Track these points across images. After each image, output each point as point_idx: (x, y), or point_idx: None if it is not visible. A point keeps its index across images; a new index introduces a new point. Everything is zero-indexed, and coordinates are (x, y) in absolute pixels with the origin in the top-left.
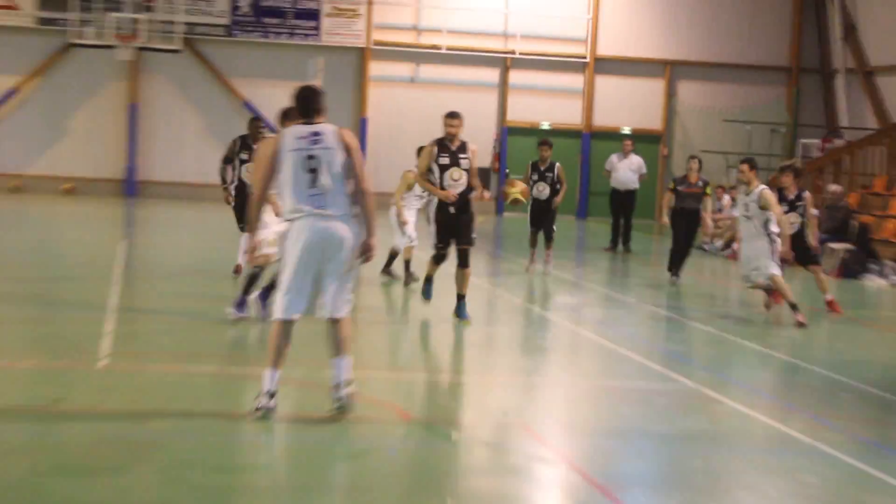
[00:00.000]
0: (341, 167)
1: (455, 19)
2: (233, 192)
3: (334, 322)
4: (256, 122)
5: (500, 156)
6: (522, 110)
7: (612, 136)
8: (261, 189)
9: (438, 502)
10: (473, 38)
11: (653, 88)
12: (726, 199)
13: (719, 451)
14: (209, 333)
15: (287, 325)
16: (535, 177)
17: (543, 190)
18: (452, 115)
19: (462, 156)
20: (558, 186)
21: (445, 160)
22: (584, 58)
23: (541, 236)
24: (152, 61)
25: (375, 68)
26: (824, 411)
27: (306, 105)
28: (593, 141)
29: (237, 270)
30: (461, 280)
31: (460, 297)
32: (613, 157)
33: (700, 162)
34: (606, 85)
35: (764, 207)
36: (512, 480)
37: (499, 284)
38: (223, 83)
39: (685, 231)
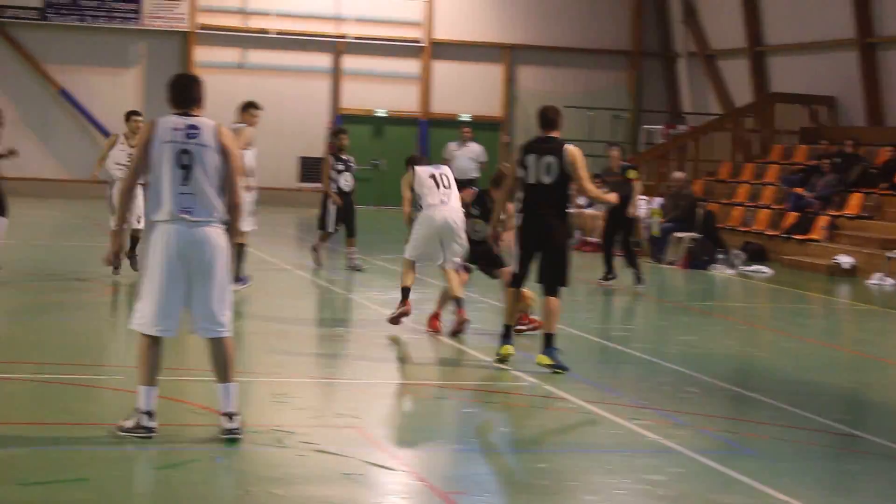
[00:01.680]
0: (215, 169)
1: (285, 2)
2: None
3: (215, 342)
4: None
5: (333, 145)
6: (357, 97)
7: (450, 124)
8: (131, 180)
9: None
10: (304, 21)
11: (492, 73)
12: None
13: (565, 451)
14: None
15: (155, 339)
16: (341, 167)
17: (350, 181)
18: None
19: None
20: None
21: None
22: (421, 42)
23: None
24: None
25: (201, 53)
26: (672, 407)
27: (183, 94)
28: (431, 128)
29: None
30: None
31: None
32: (452, 145)
33: (621, 149)
34: (444, 70)
35: None
36: (351, 487)
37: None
38: (37, 70)
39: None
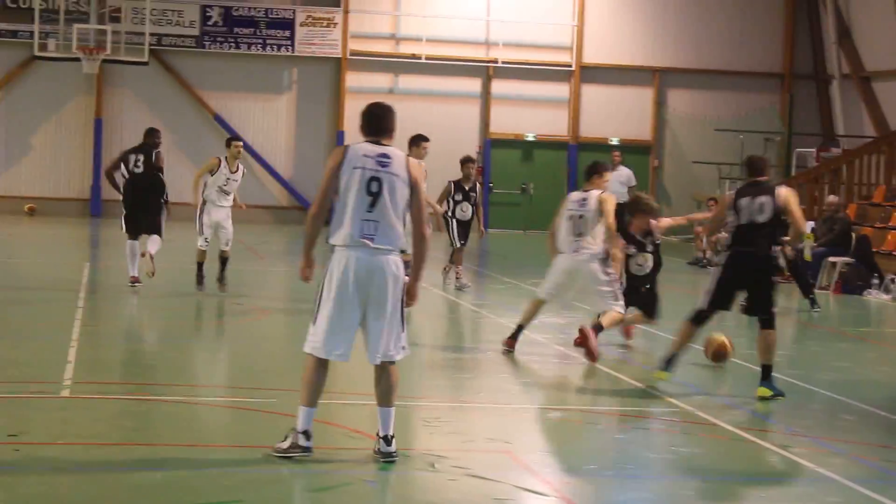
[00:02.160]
0: (402, 199)
1: (435, 27)
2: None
3: (382, 368)
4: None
5: (483, 169)
6: (506, 121)
7: (599, 148)
8: (320, 203)
9: None
10: (454, 46)
11: (641, 97)
12: None
13: (717, 479)
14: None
15: (323, 362)
16: (459, 196)
17: (467, 210)
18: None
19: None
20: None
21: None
22: (570, 66)
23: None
24: (118, 74)
25: (352, 79)
26: (827, 435)
27: (378, 123)
28: (580, 153)
29: (134, 281)
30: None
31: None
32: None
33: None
34: (593, 94)
35: None
36: None
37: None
38: (193, 96)
39: None
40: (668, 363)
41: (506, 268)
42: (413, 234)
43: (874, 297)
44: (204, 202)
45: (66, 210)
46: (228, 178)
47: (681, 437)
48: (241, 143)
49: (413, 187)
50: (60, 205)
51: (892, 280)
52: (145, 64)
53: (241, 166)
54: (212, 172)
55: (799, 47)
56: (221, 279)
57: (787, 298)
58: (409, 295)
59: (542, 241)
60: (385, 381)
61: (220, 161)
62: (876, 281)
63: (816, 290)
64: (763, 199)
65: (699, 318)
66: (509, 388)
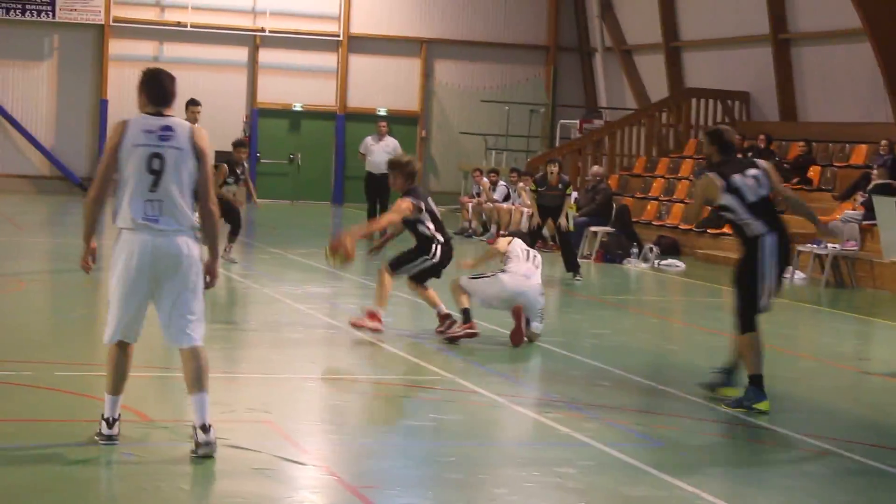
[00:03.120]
0: (188, 174)
1: None
2: None
3: (186, 352)
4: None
5: (250, 139)
6: (274, 91)
7: (367, 118)
8: (100, 186)
9: None
10: (221, 14)
11: (409, 68)
12: (485, 181)
13: (475, 444)
14: None
15: (123, 346)
16: (231, 179)
17: (233, 189)
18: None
19: None
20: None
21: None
22: (338, 36)
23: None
24: None
25: (116, 47)
26: (584, 400)
27: (159, 91)
28: (348, 123)
29: None
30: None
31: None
32: (368, 140)
33: (560, 165)
34: (361, 64)
35: None
36: (261, 482)
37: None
38: None
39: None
40: (730, 376)
41: (274, 239)
42: (200, 209)
43: (633, 265)
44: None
45: None
46: None
47: (442, 405)
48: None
49: (199, 158)
50: None
51: (651, 249)
52: None
53: None
54: None
55: (563, 20)
56: None
57: (551, 267)
58: (210, 273)
59: (309, 211)
60: (193, 364)
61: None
62: (635, 250)
63: (579, 260)
64: (754, 171)
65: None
66: (272, 358)
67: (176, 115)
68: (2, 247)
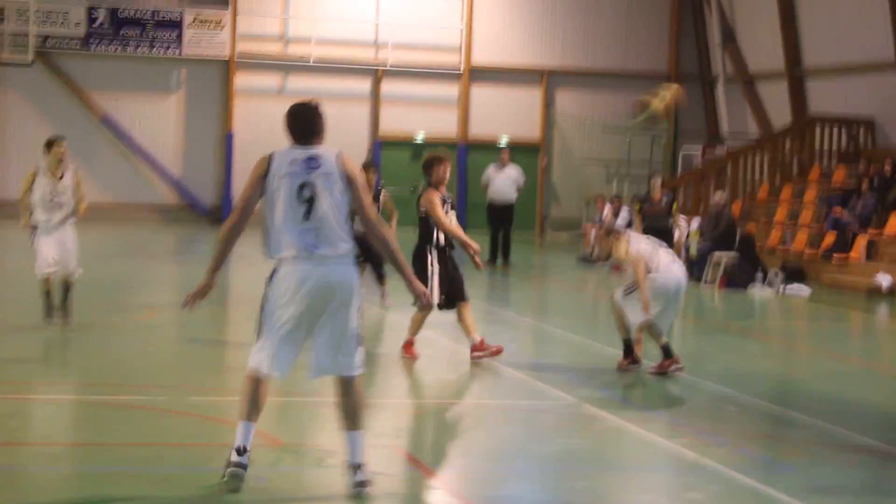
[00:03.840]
0: (341, 200)
1: (324, 29)
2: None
3: (344, 383)
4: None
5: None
6: (396, 122)
7: (488, 148)
8: (240, 215)
9: None
10: (344, 48)
11: (530, 98)
12: (608, 209)
13: (603, 470)
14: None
15: (264, 379)
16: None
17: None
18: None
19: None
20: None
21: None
22: (459, 67)
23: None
24: (2, 75)
25: (241, 80)
26: (711, 426)
27: (303, 125)
28: (470, 153)
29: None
30: None
31: None
32: (490, 169)
33: (663, 179)
34: (482, 95)
35: None
36: None
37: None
38: (80, 97)
39: None
40: None
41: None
42: (367, 233)
43: (758, 291)
44: (37, 223)
45: None
46: (56, 188)
47: (569, 430)
48: (65, 144)
49: (349, 182)
50: None
51: (776, 274)
52: (29, 65)
53: (67, 172)
54: (31, 184)
55: (684, 49)
56: (59, 315)
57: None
58: (416, 293)
59: None
60: (349, 399)
61: (37, 170)
62: (760, 276)
63: (703, 284)
64: None
65: None
66: (399, 383)
67: (324, 146)
68: (134, 275)
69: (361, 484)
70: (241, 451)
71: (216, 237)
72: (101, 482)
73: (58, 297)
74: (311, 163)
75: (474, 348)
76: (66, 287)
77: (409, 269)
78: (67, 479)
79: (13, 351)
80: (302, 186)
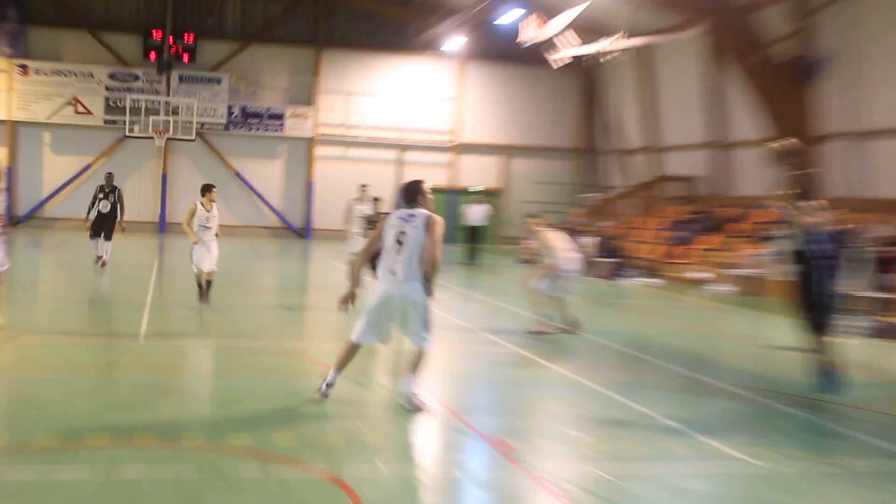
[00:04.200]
0: (421, 243)
1: (369, 117)
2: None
3: (417, 349)
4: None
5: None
6: (411, 176)
7: (468, 193)
8: (366, 249)
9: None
10: (380, 130)
11: (496, 162)
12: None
13: (532, 388)
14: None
15: (357, 346)
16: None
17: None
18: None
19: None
20: None
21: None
22: (450, 143)
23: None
24: (177, 147)
25: (318, 150)
26: (595, 363)
27: (403, 196)
28: (458, 196)
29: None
30: None
31: None
32: (468, 207)
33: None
34: (467, 161)
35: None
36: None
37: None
38: (223, 161)
39: None
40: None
41: None
42: (430, 262)
43: (628, 282)
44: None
45: (144, 228)
46: (208, 217)
47: (510, 365)
48: (215, 189)
49: (428, 231)
50: (141, 224)
51: (639, 271)
52: (193, 140)
53: (215, 206)
54: (193, 214)
55: (586, 133)
56: (205, 297)
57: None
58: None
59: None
60: (415, 357)
61: (196, 206)
62: (629, 272)
63: (594, 278)
64: None
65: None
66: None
67: (423, 208)
68: (252, 269)
69: (410, 401)
70: (329, 385)
71: (353, 261)
72: (231, 392)
73: (204, 286)
74: (410, 217)
75: None
76: (209, 280)
77: (432, 279)
78: (212, 391)
79: (179, 320)
80: (400, 233)
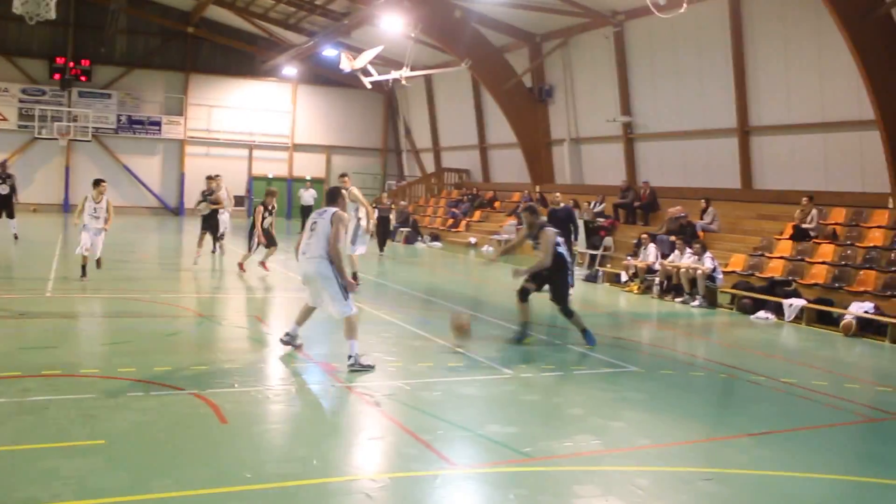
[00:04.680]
0: (325, 233)
1: (225, 124)
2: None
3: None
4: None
5: (249, 195)
6: (259, 169)
7: (301, 181)
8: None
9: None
10: (233, 133)
11: (320, 159)
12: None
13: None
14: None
15: (307, 307)
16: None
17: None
18: None
19: None
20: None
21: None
22: (289, 142)
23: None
24: (77, 146)
25: (188, 149)
26: (400, 305)
27: (328, 196)
28: (294, 183)
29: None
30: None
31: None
32: (301, 191)
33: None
34: (300, 157)
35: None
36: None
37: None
38: (114, 157)
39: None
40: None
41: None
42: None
43: (420, 246)
44: (84, 224)
45: (51, 209)
46: (96, 207)
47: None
48: (105, 184)
49: (332, 224)
50: (49, 206)
51: (427, 237)
52: (89, 141)
53: (105, 199)
54: (83, 205)
55: (389, 135)
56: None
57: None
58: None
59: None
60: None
61: (86, 197)
62: (420, 237)
63: (394, 242)
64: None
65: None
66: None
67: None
68: (136, 241)
69: (351, 365)
70: (290, 335)
71: (336, 255)
72: (121, 334)
73: (88, 266)
74: (324, 213)
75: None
76: (97, 262)
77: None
78: (105, 333)
79: (78, 280)
80: (313, 223)
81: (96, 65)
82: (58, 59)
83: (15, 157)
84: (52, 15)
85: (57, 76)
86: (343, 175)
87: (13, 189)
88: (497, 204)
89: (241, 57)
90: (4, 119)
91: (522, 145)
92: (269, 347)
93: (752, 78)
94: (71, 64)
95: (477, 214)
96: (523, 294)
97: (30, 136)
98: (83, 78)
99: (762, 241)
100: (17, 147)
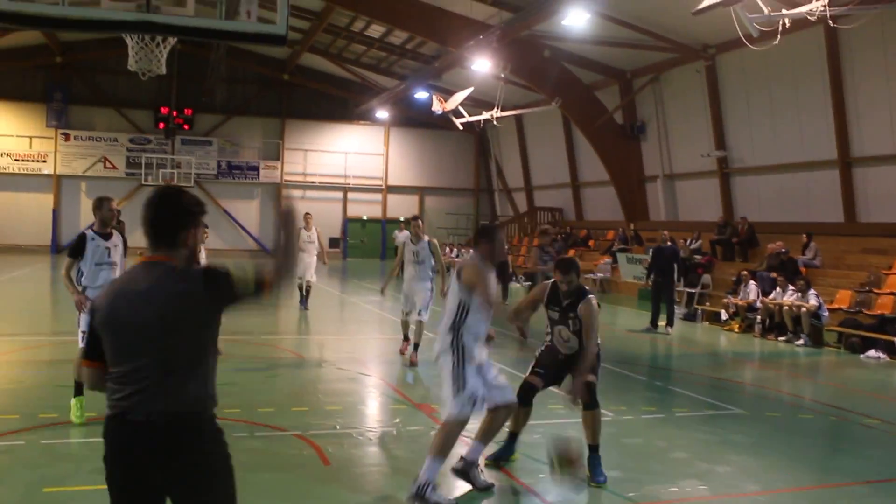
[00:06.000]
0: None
1: (321, 168)
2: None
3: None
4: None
5: (344, 237)
6: (356, 211)
7: (396, 222)
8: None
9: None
10: (329, 177)
11: (414, 200)
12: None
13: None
14: None
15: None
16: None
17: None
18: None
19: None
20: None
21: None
22: (382, 184)
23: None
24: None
25: (285, 192)
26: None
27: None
28: (388, 224)
29: None
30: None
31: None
32: (396, 232)
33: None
34: (394, 199)
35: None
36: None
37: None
38: (214, 202)
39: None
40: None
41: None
42: None
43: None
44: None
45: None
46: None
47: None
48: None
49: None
50: None
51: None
52: (192, 187)
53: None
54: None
55: (480, 175)
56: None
57: None
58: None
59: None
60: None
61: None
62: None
63: None
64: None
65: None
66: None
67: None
68: None
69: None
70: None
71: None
72: (242, 376)
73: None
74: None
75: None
76: None
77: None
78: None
79: None
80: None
81: (198, 113)
82: (162, 109)
83: (122, 204)
84: (163, 70)
85: (161, 125)
86: (415, 217)
87: (122, 236)
88: (591, 242)
89: (334, 102)
90: (114, 167)
91: (615, 182)
92: (368, 388)
93: (851, 107)
94: (174, 113)
95: (571, 253)
96: (526, 395)
97: (136, 183)
98: (186, 126)
99: (869, 276)
100: (125, 194)
